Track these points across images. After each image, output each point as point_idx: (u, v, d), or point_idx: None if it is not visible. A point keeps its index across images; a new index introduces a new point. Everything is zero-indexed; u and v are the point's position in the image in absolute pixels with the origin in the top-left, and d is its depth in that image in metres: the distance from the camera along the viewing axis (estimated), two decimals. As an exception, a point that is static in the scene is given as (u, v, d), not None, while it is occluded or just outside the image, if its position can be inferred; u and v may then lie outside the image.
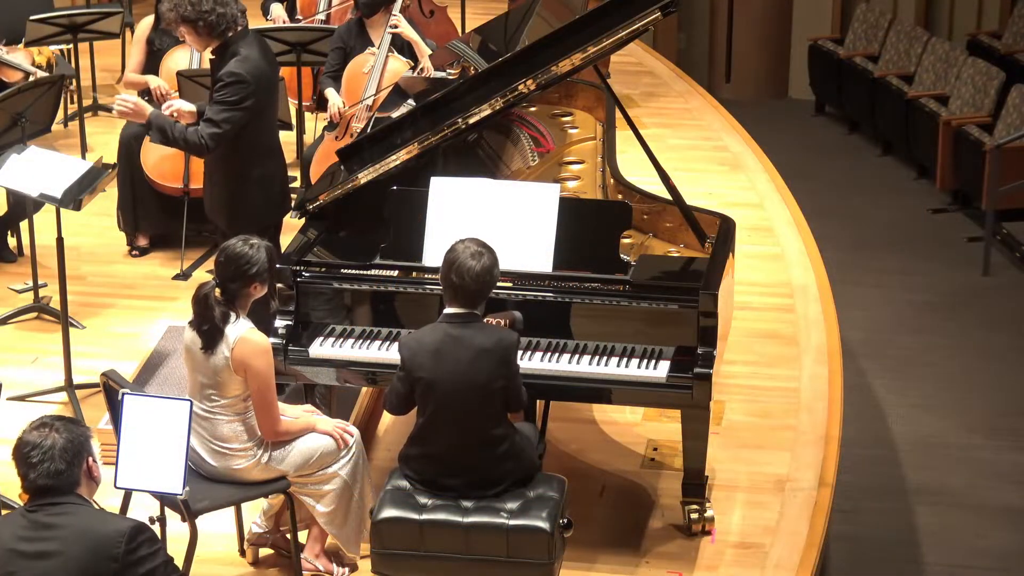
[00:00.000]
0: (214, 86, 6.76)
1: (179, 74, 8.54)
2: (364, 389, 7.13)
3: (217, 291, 5.71)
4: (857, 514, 8.21)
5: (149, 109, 6.75)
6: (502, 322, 5.94)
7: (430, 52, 8.74)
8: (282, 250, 6.41)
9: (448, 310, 5.62)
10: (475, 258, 5.56)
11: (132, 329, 8.07)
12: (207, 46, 6.79)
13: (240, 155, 6.85)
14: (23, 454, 4.53)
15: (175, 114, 6.85)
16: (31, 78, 8.98)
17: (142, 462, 5.25)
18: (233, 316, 5.70)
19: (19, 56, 9.44)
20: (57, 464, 4.50)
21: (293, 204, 6.85)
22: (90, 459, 4.60)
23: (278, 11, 10.16)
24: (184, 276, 8.59)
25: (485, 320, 5.70)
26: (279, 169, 7.06)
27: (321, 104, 9.29)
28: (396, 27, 8.87)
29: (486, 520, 5.55)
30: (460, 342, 5.55)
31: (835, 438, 7.00)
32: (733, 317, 6.82)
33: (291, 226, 6.88)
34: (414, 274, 6.17)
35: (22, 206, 8.34)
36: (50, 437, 4.52)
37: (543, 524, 5.52)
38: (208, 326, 5.68)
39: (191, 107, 6.96)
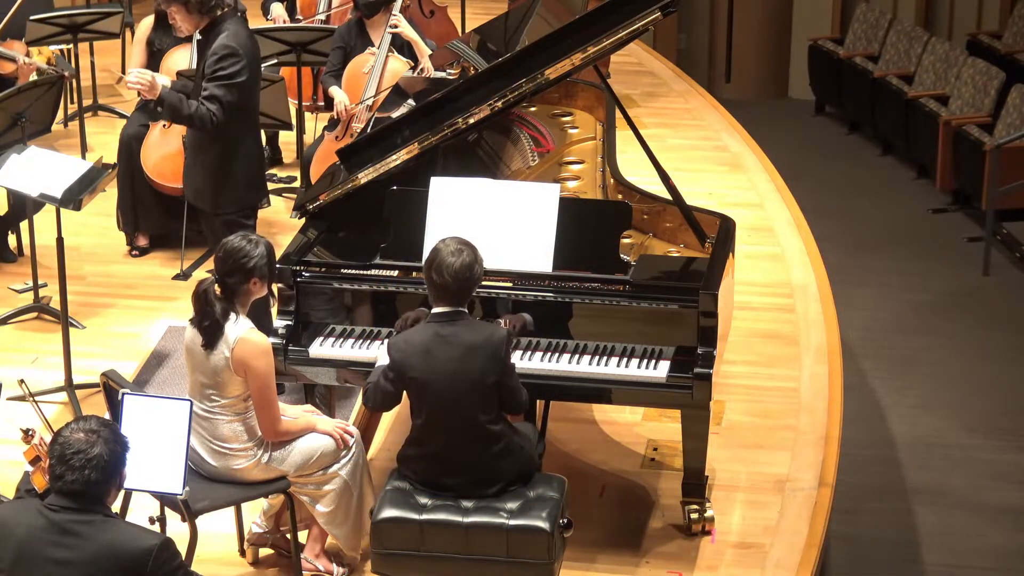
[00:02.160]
0: (206, 63, 6.82)
1: (179, 74, 8.53)
2: (364, 389, 7.14)
3: (217, 287, 5.72)
4: (857, 514, 8.21)
5: (161, 86, 6.84)
6: (511, 323, 5.95)
7: (430, 52, 8.74)
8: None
9: (435, 309, 5.63)
10: (454, 255, 5.57)
11: (132, 329, 8.07)
12: (196, 26, 6.90)
13: (229, 133, 6.90)
14: (65, 454, 4.44)
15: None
16: (23, 62, 8.98)
17: (142, 462, 5.25)
18: (234, 315, 5.70)
19: (15, 50, 9.44)
20: (97, 475, 4.44)
21: (294, 204, 6.87)
22: (123, 470, 4.58)
23: (278, 11, 10.16)
24: (184, 276, 8.59)
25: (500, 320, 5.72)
26: (259, 148, 7.19)
27: (328, 103, 9.28)
28: (396, 27, 8.88)
29: (486, 520, 5.55)
30: (449, 340, 5.55)
31: (835, 438, 7.00)
32: (733, 317, 6.82)
33: (291, 226, 6.89)
34: (414, 274, 6.17)
35: (22, 206, 8.34)
36: (97, 446, 4.45)
37: (543, 524, 5.52)
38: (209, 322, 5.68)
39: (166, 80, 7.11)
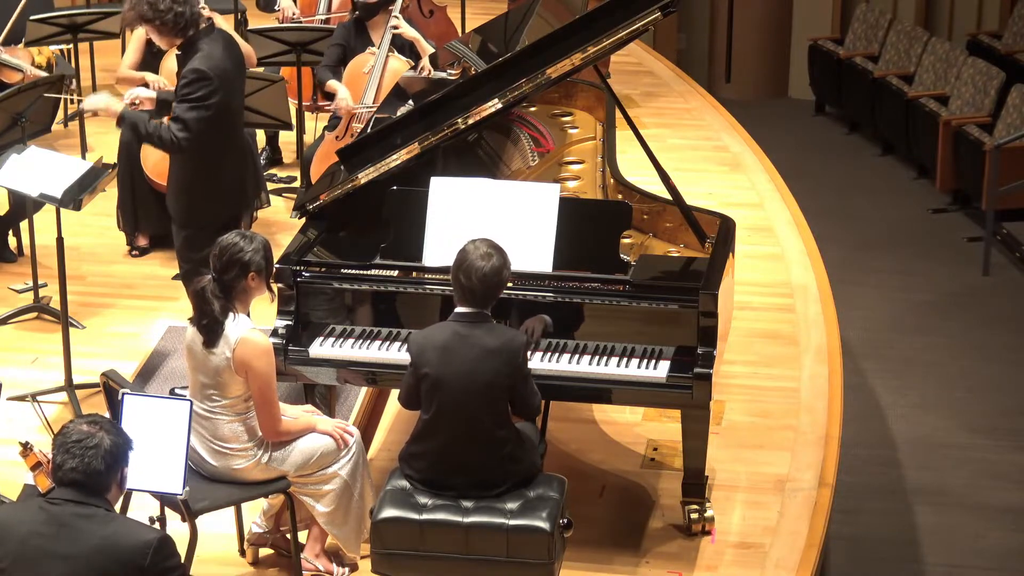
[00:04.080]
0: (178, 82, 6.78)
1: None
2: (364, 389, 7.14)
3: (215, 285, 5.71)
4: (857, 514, 8.21)
5: (120, 107, 6.77)
6: (530, 329, 5.97)
7: (432, 51, 8.73)
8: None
9: (458, 309, 5.64)
10: (484, 259, 5.58)
11: (132, 329, 8.07)
12: (171, 44, 6.80)
13: (194, 150, 6.82)
14: (67, 443, 4.49)
15: (136, 101, 6.90)
16: (30, 72, 8.98)
17: (142, 462, 5.24)
18: (232, 314, 5.69)
19: (19, 56, 9.44)
20: (97, 464, 4.48)
21: (294, 204, 6.85)
22: (125, 468, 4.60)
23: (286, 1, 10.15)
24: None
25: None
26: (234, 166, 6.96)
27: (325, 97, 9.22)
28: (397, 27, 8.87)
29: (486, 520, 5.55)
30: (467, 341, 5.56)
31: (835, 438, 7.01)
32: (733, 317, 6.82)
33: (291, 226, 6.88)
34: (414, 274, 6.17)
35: (22, 206, 8.34)
36: (98, 436, 4.49)
37: (543, 524, 5.52)
38: (208, 320, 5.68)
39: (151, 93, 7.04)
